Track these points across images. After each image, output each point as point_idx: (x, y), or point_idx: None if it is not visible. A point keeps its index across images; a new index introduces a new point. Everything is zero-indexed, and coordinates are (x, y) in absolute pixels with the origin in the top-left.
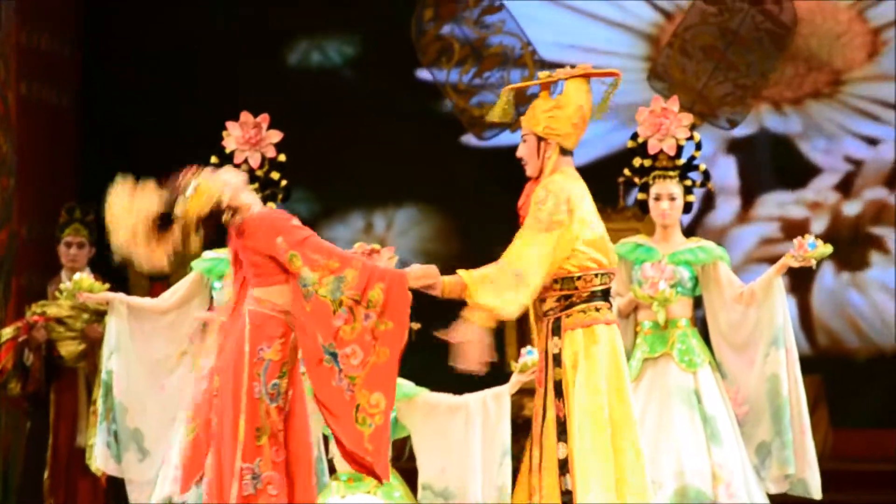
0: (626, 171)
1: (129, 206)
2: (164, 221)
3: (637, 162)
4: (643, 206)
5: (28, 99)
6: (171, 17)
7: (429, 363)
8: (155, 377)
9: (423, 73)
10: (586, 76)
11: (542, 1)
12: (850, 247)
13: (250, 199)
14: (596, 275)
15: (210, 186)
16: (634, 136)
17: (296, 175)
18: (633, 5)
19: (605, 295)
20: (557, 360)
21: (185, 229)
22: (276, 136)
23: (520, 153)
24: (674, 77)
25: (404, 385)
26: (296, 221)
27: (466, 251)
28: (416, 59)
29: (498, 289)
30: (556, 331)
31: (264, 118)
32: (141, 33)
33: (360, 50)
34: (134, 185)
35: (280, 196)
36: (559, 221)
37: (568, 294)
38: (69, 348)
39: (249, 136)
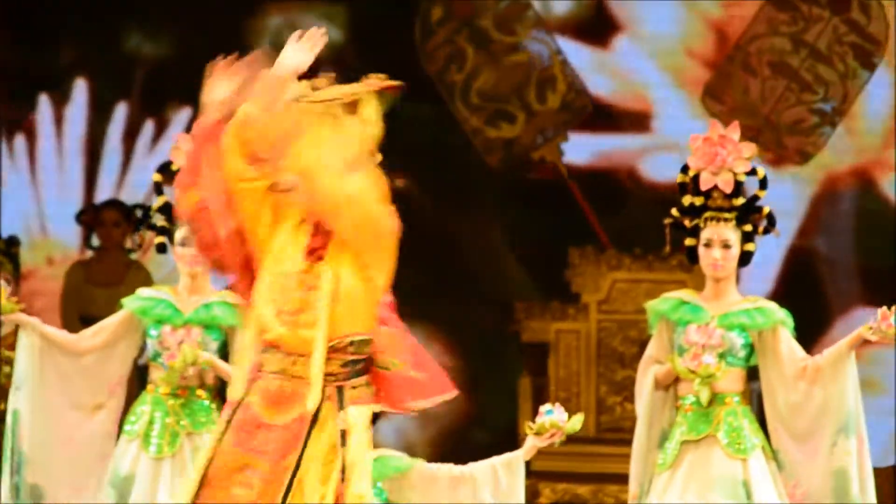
0: (675, 212)
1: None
2: None
3: (687, 200)
4: (692, 255)
5: None
6: None
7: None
8: (64, 427)
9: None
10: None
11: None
12: None
13: None
14: None
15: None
16: (685, 169)
17: None
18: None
19: None
20: None
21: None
22: None
23: None
24: (734, 98)
25: (395, 457)
26: None
27: None
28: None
29: None
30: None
31: None
32: None
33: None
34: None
35: None
36: None
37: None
38: None
39: None
